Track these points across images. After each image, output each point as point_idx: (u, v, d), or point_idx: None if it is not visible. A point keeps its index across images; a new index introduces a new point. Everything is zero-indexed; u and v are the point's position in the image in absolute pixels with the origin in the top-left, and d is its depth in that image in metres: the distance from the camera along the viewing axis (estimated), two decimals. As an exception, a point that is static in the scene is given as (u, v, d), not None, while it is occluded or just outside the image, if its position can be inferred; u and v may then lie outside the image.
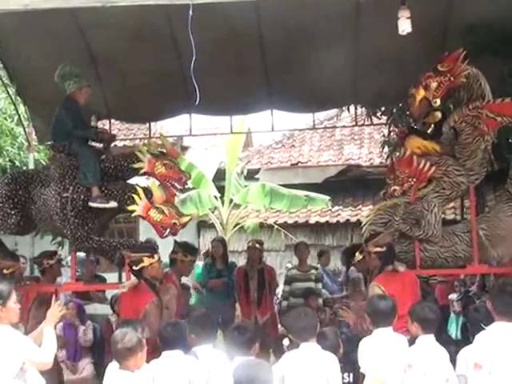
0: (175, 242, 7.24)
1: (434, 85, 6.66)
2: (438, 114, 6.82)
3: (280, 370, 4.68)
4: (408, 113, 10.35)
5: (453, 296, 9.56)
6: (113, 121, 10.66)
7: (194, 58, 5.63)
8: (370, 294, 6.12)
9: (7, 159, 11.29)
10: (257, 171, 16.88)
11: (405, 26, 6.32)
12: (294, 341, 8.79)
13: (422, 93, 6.69)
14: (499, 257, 6.86)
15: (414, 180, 6.72)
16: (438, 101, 6.74)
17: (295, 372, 4.66)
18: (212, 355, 5.00)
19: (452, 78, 6.65)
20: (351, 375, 5.64)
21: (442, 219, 7.12)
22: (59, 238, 10.73)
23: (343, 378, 5.07)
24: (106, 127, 10.04)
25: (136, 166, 6.81)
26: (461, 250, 6.85)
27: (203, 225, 15.98)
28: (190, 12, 5.29)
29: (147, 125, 11.48)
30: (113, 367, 5.00)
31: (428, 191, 6.80)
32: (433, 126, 6.98)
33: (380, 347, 5.00)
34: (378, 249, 6.29)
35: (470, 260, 6.87)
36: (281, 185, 14.47)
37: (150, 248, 6.41)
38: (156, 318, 5.95)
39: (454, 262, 6.92)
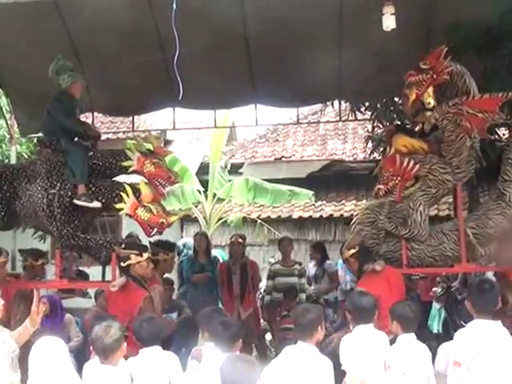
0: (150, 243, 7.16)
1: (417, 83, 6.63)
2: (428, 114, 6.79)
3: (276, 367, 4.68)
4: (392, 109, 10.48)
5: (436, 290, 9.62)
6: (96, 114, 10.62)
7: (177, 52, 5.59)
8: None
9: (-11, 152, 11.23)
10: (240, 165, 16.84)
11: (389, 22, 6.34)
12: (276, 336, 8.91)
13: (414, 92, 6.66)
14: (487, 255, 6.78)
15: (399, 179, 6.69)
16: (432, 101, 6.69)
17: (289, 370, 4.63)
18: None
19: (434, 76, 6.58)
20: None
21: (436, 215, 7.10)
22: (41, 233, 10.70)
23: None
24: (89, 120, 10.01)
25: (125, 164, 6.77)
26: (449, 249, 6.77)
27: (186, 219, 15.92)
28: (174, 6, 5.26)
29: (130, 118, 11.44)
30: (92, 364, 5.00)
31: (414, 190, 6.75)
32: (421, 124, 6.97)
33: (361, 345, 5.01)
34: (352, 251, 6.36)
35: (458, 259, 6.79)
36: (264, 179, 14.43)
37: (140, 246, 6.34)
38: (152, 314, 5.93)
39: (442, 260, 6.83)
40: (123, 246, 6.47)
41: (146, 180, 6.75)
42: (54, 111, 7.02)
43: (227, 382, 3.47)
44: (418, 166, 6.67)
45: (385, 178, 6.74)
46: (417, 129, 7.16)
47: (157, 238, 7.12)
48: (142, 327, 5.00)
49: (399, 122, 9.93)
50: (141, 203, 6.59)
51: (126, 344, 4.48)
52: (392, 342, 5.10)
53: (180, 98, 6.25)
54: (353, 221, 7.07)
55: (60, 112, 6.95)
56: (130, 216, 6.62)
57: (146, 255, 6.18)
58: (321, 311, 5.07)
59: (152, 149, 6.78)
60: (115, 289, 6.12)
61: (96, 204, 6.68)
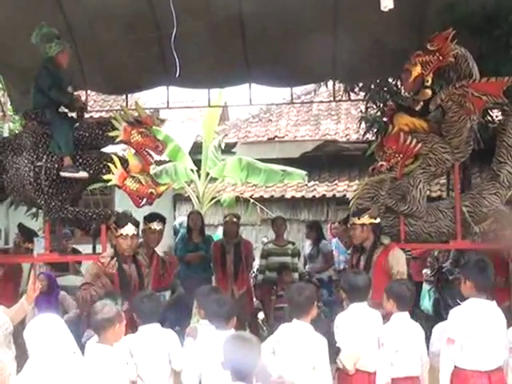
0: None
1: (423, 63, 6.70)
2: (429, 92, 6.89)
3: (271, 344, 4.73)
4: (385, 89, 10.47)
5: (427, 271, 9.69)
6: (89, 92, 10.57)
7: (174, 30, 5.54)
8: (399, 259, 6.20)
9: (-18, 129, 11.18)
10: (233, 145, 16.85)
11: (387, 2, 6.32)
12: (268, 315, 8.96)
13: (418, 69, 6.72)
14: (481, 233, 6.96)
15: (401, 156, 6.80)
16: (430, 79, 6.78)
17: (284, 347, 4.69)
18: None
19: (441, 57, 6.69)
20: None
21: (428, 196, 7.22)
22: (33, 210, 10.70)
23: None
24: (83, 98, 9.96)
25: (112, 134, 6.61)
26: (444, 226, 6.99)
27: (179, 198, 15.96)
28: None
29: (124, 96, 11.39)
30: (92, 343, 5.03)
31: (414, 167, 6.91)
32: (421, 103, 7.05)
33: (355, 322, 5.06)
34: (373, 220, 6.33)
35: (452, 236, 7.00)
36: (257, 159, 14.45)
37: (122, 220, 6.18)
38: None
39: (437, 236, 7.07)
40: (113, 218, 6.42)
41: (133, 150, 6.63)
42: (40, 80, 6.88)
43: (229, 360, 3.49)
44: (420, 145, 6.80)
45: (387, 155, 6.85)
46: (417, 108, 7.24)
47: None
48: (143, 303, 5.01)
49: (392, 103, 9.96)
50: (129, 174, 6.47)
51: (122, 324, 4.46)
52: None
53: (177, 75, 6.18)
54: (352, 195, 7.17)
55: (46, 81, 6.79)
56: (119, 187, 6.52)
57: (119, 231, 6.03)
58: (314, 290, 5.13)
59: (139, 118, 6.65)
60: (105, 260, 6.03)
61: (82, 174, 6.56)
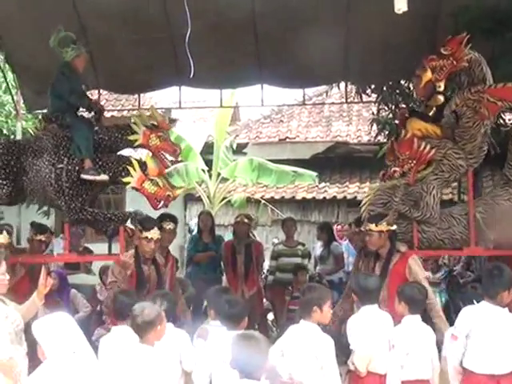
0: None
1: (437, 68, 6.65)
2: (441, 98, 6.82)
3: (280, 345, 4.73)
4: (397, 91, 10.47)
5: (428, 274, 9.64)
6: (101, 91, 10.62)
7: (189, 30, 5.56)
8: (420, 265, 6.21)
9: (-5, 127, 11.25)
10: (245, 146, 16.84)
11: (401, 4, 6.31)
12: (278, 316, 8.96)
13: (428, 75, 6.67)
14: (495, 239, 6.85)
15: (414, 162, 6.72)
16: (442, 84, 6.73)
17: (291, 348, 4.68)
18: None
19: (454, 62, 6.61)
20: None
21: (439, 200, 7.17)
22: (45, 209, 10.75)
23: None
24: (95, 97, 10.01)
25: (131, 137, 6.76)
26: (458, 232, 6.88)
27: (190, 198, 15.96)
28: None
29: (136, 96, 11.43)
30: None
31: (427, 173, 6.80)
32: (434, 109, 7.01)
33: (367, 324, 5.05)
34: (390, 227, 6.28)
35: (466, 242, 6.90)
36: (268, 160, 14.46)
37: (149, 224, 6.27)
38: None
39: (450, 243, 6.95)
40: (136, 220, 6.48)
41: (151, 153, 6.77)
42: (58, 85, 6.99)
43: (237, 359, 3.50)
44: (433, 151, 6.72)
45: (400, 161, 6.77)
46: (430, 113, 7.21)
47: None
48: (154, 303, 5.02)
49: (404, 105, 9.95)
50: (147, 177, 6.60)
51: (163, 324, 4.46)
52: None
53: (191, 76, 6.23)
54: (363, 201, 7.12)
55: (65, 87, 6.91)
56: (137, 189, 6.64)
57: (144, 234, 6.12)
58: (325, 293, 4.99)
59: (156, 123, 6.78)
60: (126, 260, 6.12)
61: (103, 177, 6.70)
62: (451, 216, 6.95)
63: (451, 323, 5.40)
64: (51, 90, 7.07)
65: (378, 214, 6.56)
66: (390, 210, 6.71)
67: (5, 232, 6.34)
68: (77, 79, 7.08)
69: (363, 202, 7.09)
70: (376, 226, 6.23)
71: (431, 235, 6.85)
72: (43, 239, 7.21)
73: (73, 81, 6.97)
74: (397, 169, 6.77)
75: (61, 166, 6.73)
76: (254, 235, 10.11)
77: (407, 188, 6.83)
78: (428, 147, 6.70)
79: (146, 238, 6.05)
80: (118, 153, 7.07)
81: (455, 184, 10.62)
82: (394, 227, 6.33)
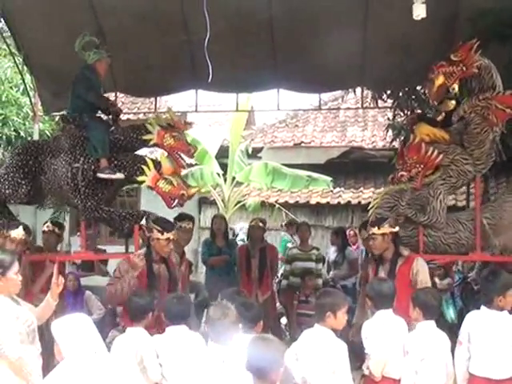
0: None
1: (447, 74, 6.65)
2: (452, 103, 6.86)
3: (294, 349, 4.73)
4: (414, 97, 10.45)
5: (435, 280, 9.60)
6: (118, 94, 10.66)
7: (207, 34, 5.59)
8: (424, 267, 6.17)
9: (12, 129, 11.33)
10: (260, 150, 16.86)
11: (419, 11, 6.33)
12: (290, 320, 8.96)
13: (441, 79, 6.68)
14: (501, 246, 6.90)
15: (422, 166, 6.78)
16: (456, 87, 6.73)
17: (305, 352, 4.68)
18: None
19: (464, 68, 6.63)
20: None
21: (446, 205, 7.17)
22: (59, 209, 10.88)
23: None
24: (112, 100, 10.07)
25: (146, 137, 6.85)
26: (464, 238, 6.92)
27: (204, 201, 16.00)
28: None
29: (151, 99, 11.46)
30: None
31: (435, 178, 6.86)
32: (443, 114, 7.01)
33: (382, 329, 5.06)
34: (393, 229, 6.27)
35: (472, 247, 6.94)
36: (283, 164, 14.46)
37: (168, 224, 6.23)
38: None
39: (456, 248, 6.99)
40: (152, 220, 6.51)
41: (166, 153, 6.84)
42: (77, 85, 7.11)
43: (252, 361, 3.50)
44: (441, 156, 6.77)
45: (408, 165, 6.83)
46: (439, 118, 7.21)
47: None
48: (173, 304, 5.03)
49: (420, 111, 9.93)
50: (162, 176, 6.68)
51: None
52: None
53: (210, 80, 6.27)
54: (371, 205, 7.14)
55: (84, 86, 7.04)
56: (152, 188, 6.70)
57: (165, 235, 6.17)
58: (340, 299, 4.91)
59: (171, 123, 6.84)
60: (137, 259, 6.13)
61: (119, 175, 6.81)
62: (458, 221, 7.00)
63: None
64: (72, 89, 7.18)
65: (380, 218, 6.58)
66: (397, 213, 6.74)
67: (21, 227, 6.27)
68: (97, 80, 7.21)
69: (370, 205, 7.12)
70: (378, 228, 6.22)
71: (437, 240, 6.90)
72: (56, 231, 7.34)
73: (93, 81, 7.11)
74: (404, 173, 6.82)
75: (77, 165, 6.85)
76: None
77: (414, 192, 6.90)
78: (436, 152, 6.76)
79: (168, 239, 6.08)
80: (134, 153, 7.15)
81: (458, 190, 10.60)
82: (397, 229, 6.32)
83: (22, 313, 4.56)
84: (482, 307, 5.06)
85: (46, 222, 7.48)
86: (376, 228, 6.23)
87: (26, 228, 6.34)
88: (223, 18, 7.83)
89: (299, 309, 8.58)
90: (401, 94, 10.73)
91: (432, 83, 6.80)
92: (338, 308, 4.75)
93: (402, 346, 5.01)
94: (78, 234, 7.50)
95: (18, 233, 6.22)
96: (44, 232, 7.37)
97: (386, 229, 6.21)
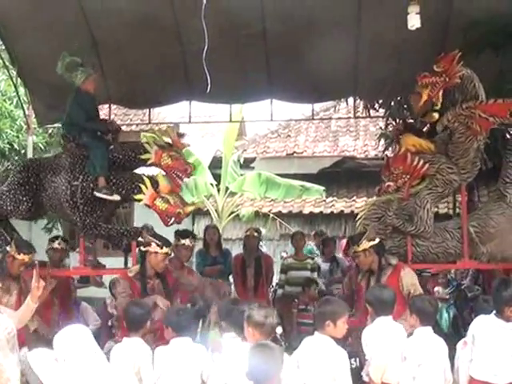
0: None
1: (430, 85, 6.71)
2: (436, 115, 6.91)
3: (295, 357, 4.76)
4: (406, 106, 10.51)
5: (439, 289, 9.66)
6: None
7: (205, 47, 5.64)
8: (412, 275, 6.28)
9: (6, 142, 11.35)
10: (252, 160, 16.90)
11: (414, 21, 6.40)
12: (287, 329, 8.96)
13: (427, 92, 6.73)
14: (488, 253, 6.97)
15: (408, 177, 6.85)
16: (439, 103, 6.78)
17: (306, 359, 4.72)
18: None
19: (447, 79, 6.69)
20: (357, 360, 5.70)
21: (436, 213, 7.24)
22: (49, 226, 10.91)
23: (351, 364, 5.11)
24: (105, 111, 10.10)
25: (143, 157, 6.93)
26: (452, 246, 6.99)
27: (198, 212, 15.95)
28: (204, 1, 5.32)
29: (144, 110, 11.46)
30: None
31: (421, 188, 6.96)
32: (428, 125, 7.09)
33: (382, 336, 5.09)
34: (372, 242, 6.36)
35: (459, 256, 7.02)
36: (276, 174, 14.51)
37: (165, 240, 6.37)
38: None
39: (444, 257, 7.06)
40: (151, 234, 6.59)
41: (163, 172, 6.89)
42: (73, 114, 7.15)
43: (253, 370, 3.53)
44: (427, 166, 6.84)
45: (394, 176, 6.89)
46: (425, 129, 7.28)
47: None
48: (177, 316, 5.07)
49: (412, 120, 10.00)
50: (159, 194, 6.75)
51: None
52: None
53: (208, 90, 6.33)
54: (358, 216, 7.20)
55: (80, 115, 7.09)
56: (149, 206, 6.76)
57: (165, 250, 6.24)
58: (340, 308, 4.90)
59: (170, 141, 6.88)
60: (132, 274, 6.27)
61: (115, 197, 6.89)
62: (445, 230, 7.08)
63: (460, 337, 5.50)
64: (67, 115, 7.23)
65: (357, 234, 6.70)
66: (384, 224, 6.79)
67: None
68: (91, 103, 7.24)
69: (358, 216, 7.17)
70: (358, 246, 6.34)
71: (425, 249, 6.97)
72: (59, 247, 7.67)
73: (87, 106, 7.14)
74: (391, 183, 6.88)
75: (76, 183, 6.94)
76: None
77: (401, 202, 6.96)
78: (421, 162, 6.83)
79: (165, 253, 6.19)
80: (133, 171, 7.24)
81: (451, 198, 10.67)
82: (377, 241, 6.39)
83: (1, 320, 4.59)
84: (492, 314, 5.05)
85: (56, 240, 7.76)
86: (356, 246, 6.38)
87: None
88: (217, 29, 7.84)
89: (299, 318, 8.58)
90: (392, 104, 10.79)
91: (419, 96, 6.87)
92: (338, 317, 4.76)
93: (400, 352, 5.04)
94: (77, 250, 7.61)
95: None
96: (55, 249, 7.67)
97: (365, 244, 6.33)
